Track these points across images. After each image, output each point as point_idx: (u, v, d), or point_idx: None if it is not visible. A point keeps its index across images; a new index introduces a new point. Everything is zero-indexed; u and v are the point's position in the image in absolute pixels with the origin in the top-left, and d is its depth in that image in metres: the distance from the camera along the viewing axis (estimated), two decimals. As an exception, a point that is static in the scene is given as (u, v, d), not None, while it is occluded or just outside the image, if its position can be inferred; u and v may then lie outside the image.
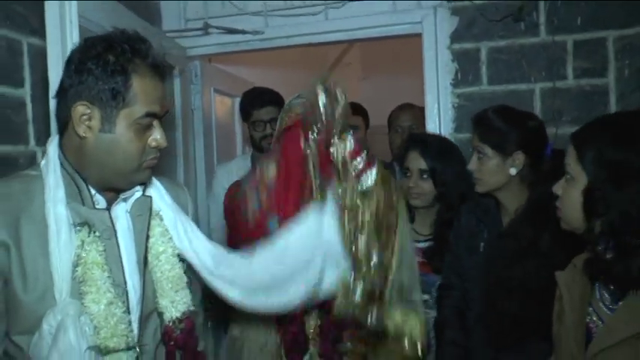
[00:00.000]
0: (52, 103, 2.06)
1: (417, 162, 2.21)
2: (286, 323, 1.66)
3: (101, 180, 1.35)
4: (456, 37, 2.67)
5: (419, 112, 3.02)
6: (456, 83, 2.69)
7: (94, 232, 1.31)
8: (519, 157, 1.90)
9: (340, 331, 1.60)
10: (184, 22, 3.01)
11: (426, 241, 2.20)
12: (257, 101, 2.81)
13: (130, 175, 1.35)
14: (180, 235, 1.47)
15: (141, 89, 1.30)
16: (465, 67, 2.67)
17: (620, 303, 1.24)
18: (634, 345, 1.18)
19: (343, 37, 2.98)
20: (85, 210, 1.31)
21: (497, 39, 2.61)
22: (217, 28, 2.91)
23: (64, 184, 1.31)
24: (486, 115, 1.97)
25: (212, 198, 2.98)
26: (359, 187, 1.46)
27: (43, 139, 2.11)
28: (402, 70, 3.35)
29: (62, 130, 1.35)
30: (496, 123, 1.94)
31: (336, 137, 1.47)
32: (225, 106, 3.62)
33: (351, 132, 1.49)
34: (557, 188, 1.38)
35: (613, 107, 2.49)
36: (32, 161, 2.09)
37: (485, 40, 2.63)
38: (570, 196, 1.32)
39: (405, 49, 3.09)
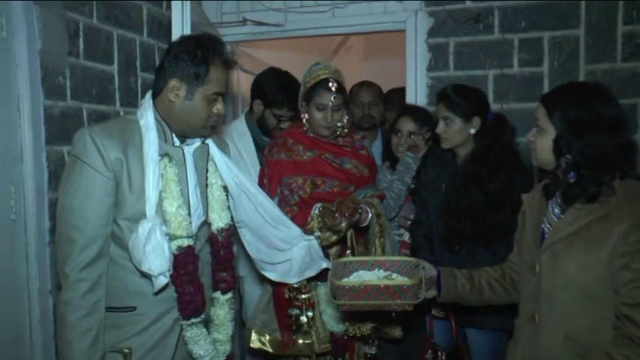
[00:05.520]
0: (132, 78, 2.76)
1: (408, 125, 2.66)
2: None
3: (178, 129, 1.70)
4: (431, 33, 3.23)
5: (378, 90, 3.30)
6: (429, 68, 3.24)
7: (172, 161, 1.67)
8: (477, 120, 2.28)
9: None
10: (220, 15, 3.57)
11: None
12: None
13: (199, 130, 1.72)
14: (226, 171, 1.88)
15: (215, 76, 1.66)
16: (437, 57, 3.23)
17: (565, 213, 1.58)
18: (570, 240, 1.54)
19: (345, 31, 3.56)
20: (167, 146, 1.68)
21: (462, 36, 3.18)
22: (249, 20, 3.50)
23: (156, 127, 1.66)
24: (448, 90, 2.35)
25: None
26: None
27: (124, 102, 2.77)
28: (397, 54, 3.68)
29: (156, 93, 1.70)
30: (459, 96, 2.31)
31: None
32: (248, 81, 3.94)
33: None
34: (530, 136, 1.65)
35: (545, 89, 3.01)
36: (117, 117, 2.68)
37: (453, 36, 3.19)
38: (542, 143, 1.59)
39: (398, 38, 3.44)
